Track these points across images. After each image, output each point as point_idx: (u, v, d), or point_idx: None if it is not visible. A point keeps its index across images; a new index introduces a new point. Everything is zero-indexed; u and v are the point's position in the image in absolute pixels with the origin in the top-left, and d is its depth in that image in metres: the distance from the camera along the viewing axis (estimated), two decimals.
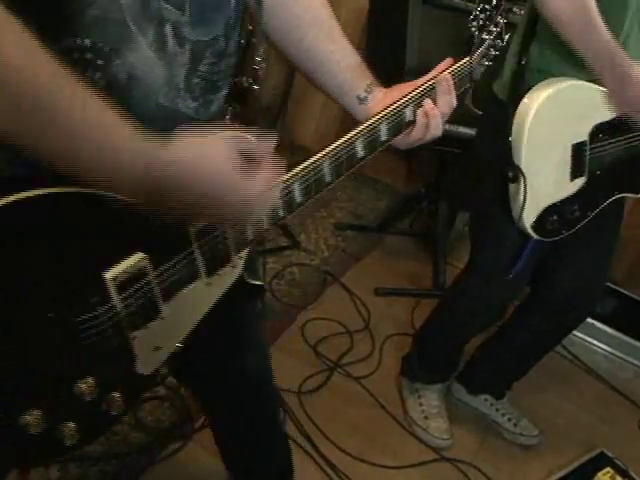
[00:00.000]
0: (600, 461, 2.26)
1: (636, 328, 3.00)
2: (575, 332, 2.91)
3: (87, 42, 0.84)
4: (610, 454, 2.28)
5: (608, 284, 3.01)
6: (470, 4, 2.85)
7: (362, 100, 1.23)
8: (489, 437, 2.35)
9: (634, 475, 2.22)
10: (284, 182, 1.03)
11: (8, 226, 0.82)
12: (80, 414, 0.98)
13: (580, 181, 1.80)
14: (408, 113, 1.17)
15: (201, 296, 1.09)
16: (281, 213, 1.06)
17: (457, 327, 2.26)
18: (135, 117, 0.82)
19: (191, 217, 0.94)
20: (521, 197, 1.71)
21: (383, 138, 1.16)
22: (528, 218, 1.76)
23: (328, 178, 1.10)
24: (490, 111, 1.90)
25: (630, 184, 1.91)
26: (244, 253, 1.11)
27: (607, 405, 2.63)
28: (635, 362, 2.94)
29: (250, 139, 0.91)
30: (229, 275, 1.11)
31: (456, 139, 2.70)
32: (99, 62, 0.85)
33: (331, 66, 1.22)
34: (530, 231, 1.79)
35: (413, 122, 1.19)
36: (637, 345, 2.95)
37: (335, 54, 1.22)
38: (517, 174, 1.69)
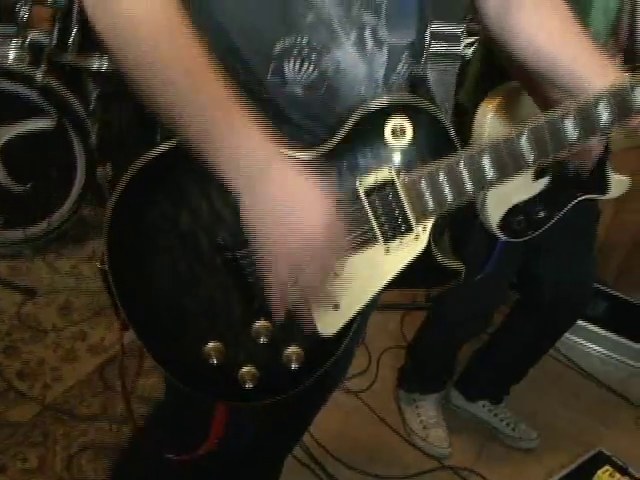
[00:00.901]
0: (599, 460, 2.29)
1: (628, 328, 3.05)
2: (569, 335, 2.96)
3: (305, 40, 1.00)
4: (608, 452, 2.31)
5: (598, 286, 3.07)
6: None
7: None
8: (488, 443, 2.38)
9: (633, 471, 2.25)
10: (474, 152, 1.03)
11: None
12: (259, 359, 1.06)
13: (544, 181, 1.85)
14: (638, 96, 1.07)
15: (378, 264, 1.06)
16: (469, 187, 1.03)
17: (446, 334, 2.30)
18: (341, 105, 1.02)
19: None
20: (485, 197, 1.76)
21: (604, 120, 1.06)
22: (494, 218, 1.82)
23: (529, 156, 1.04)
24: (453, 119, 1.95)
25: (593, 185, 1.96)
26: (429, 224, 1.06)
27: (604, 406, 2.67)
28: (629, 362, 2.98)
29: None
30: (411, 248, 1.07)
31: None
32: (313, 56, 1.01)
33: (563, 73, 1.16)
34: (497, 231, 1.84)
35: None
36: (630, 345, 3.00)
37: (568, 59, 1.15)
38: None
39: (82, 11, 2.60)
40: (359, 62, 1.03)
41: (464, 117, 1.77)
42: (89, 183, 2.77)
